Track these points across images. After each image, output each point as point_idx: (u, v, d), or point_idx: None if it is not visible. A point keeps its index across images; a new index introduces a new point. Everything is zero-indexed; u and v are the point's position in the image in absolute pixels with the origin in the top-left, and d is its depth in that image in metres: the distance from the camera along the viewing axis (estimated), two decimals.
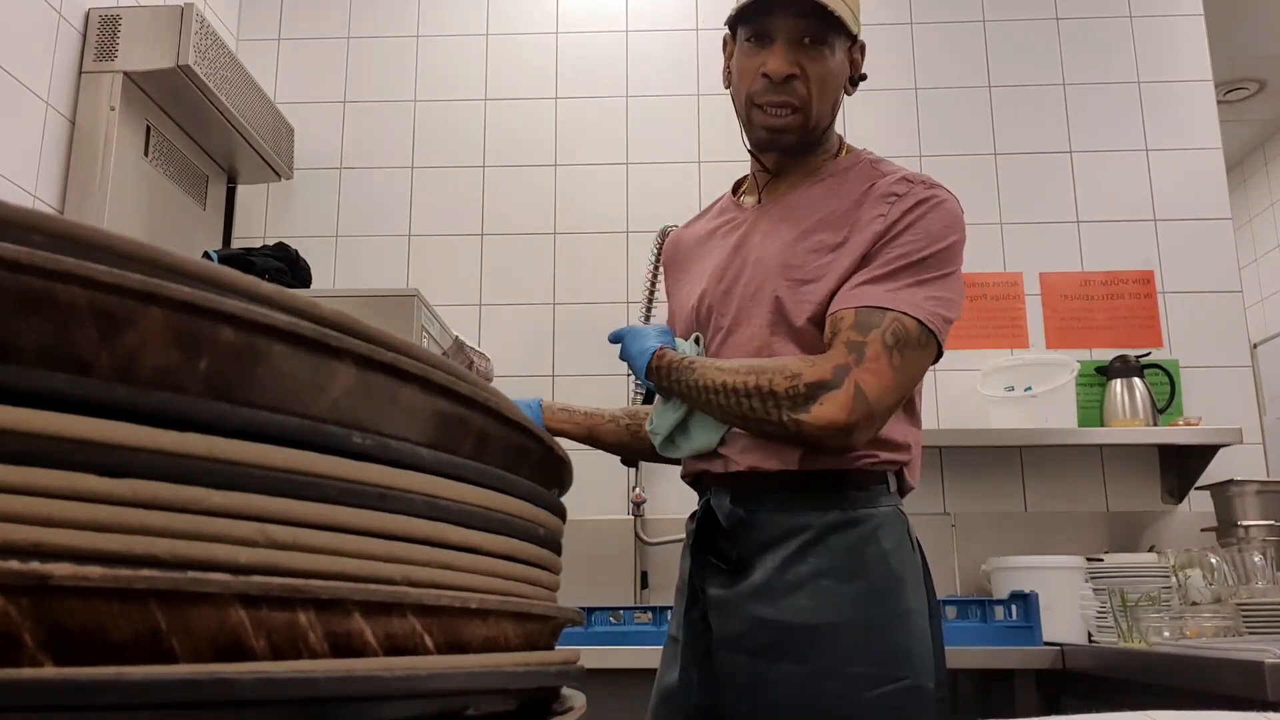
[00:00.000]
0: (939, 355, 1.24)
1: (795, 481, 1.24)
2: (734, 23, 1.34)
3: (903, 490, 1.33)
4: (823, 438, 1.16)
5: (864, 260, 1.23)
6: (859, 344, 1.16)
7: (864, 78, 1.40)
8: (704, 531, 1.30)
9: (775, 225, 1.35)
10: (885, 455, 1.26)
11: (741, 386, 1.18)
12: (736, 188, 1.52)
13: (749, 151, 1.41)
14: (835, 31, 1.30)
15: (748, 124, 1.35)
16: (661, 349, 1.28)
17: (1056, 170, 3.04)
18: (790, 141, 1.32)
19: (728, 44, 1.40)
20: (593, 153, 3.08)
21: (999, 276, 2.97)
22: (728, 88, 1.40)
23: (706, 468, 1.31)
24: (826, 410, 1.14)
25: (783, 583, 1.21)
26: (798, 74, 1.28)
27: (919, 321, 1.18)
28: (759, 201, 1.40)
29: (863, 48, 1.39)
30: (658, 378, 1.27)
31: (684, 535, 1.40)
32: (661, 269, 1.63)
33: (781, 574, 1.22)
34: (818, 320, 1.25)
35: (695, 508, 1.37)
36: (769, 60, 1.28)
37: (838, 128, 1.43)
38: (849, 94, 1.39)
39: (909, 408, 1.33)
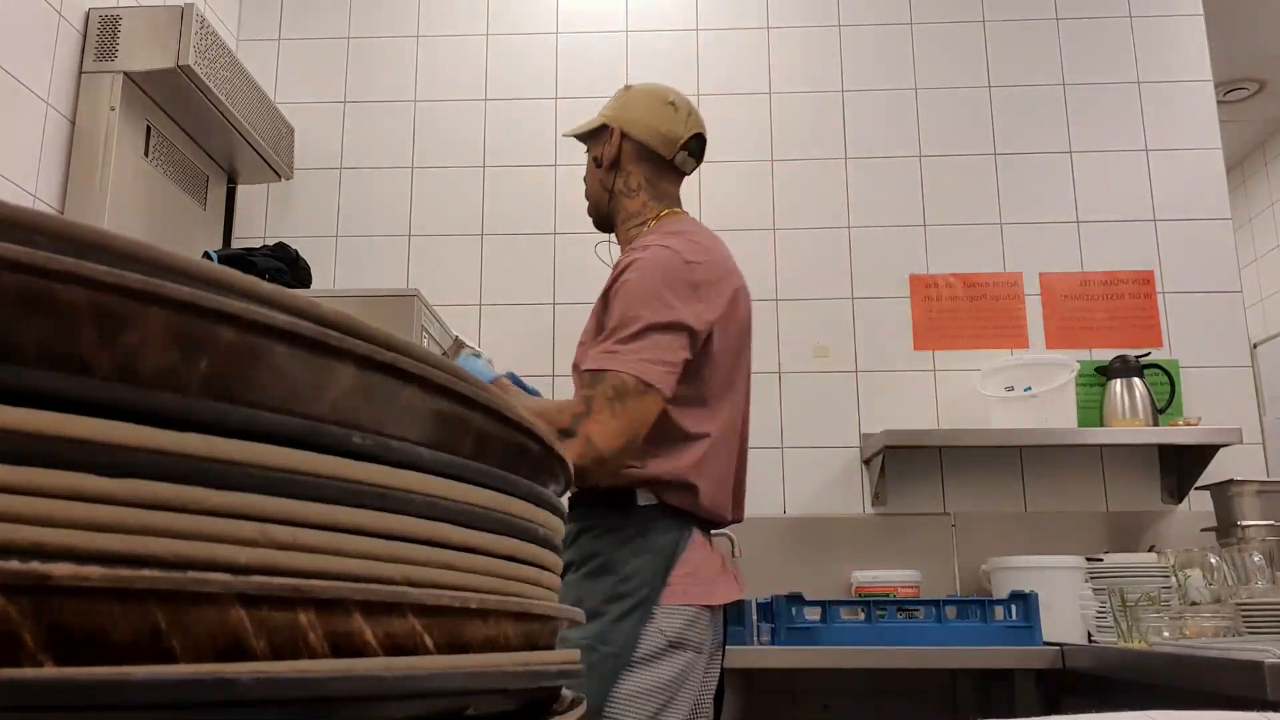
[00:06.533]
0: (669, 397, 1.47)
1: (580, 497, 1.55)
2: None
3: (665, 505, 1.53)
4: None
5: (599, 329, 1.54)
6: (589, 398, 1.42)
7: (611, 160, 1.70)
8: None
9: None
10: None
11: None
12: None
13: None
14: (588, 139, 1.75)
15: None
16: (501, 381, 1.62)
17: (1056, 170, 3.04)
18: (593, 222, 1.77)
19: None
20: None
21: (999, 276, 2.97)
22: None
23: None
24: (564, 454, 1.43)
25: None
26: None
27: (635, 376, 1.42)
28: None
29: (617, 132, 1.70)
30: None
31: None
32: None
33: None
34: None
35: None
36: None
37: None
38: (609, 170, 1.71)
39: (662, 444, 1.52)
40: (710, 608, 1.53)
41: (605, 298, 1.54)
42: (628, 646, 1.42)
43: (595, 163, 1.72)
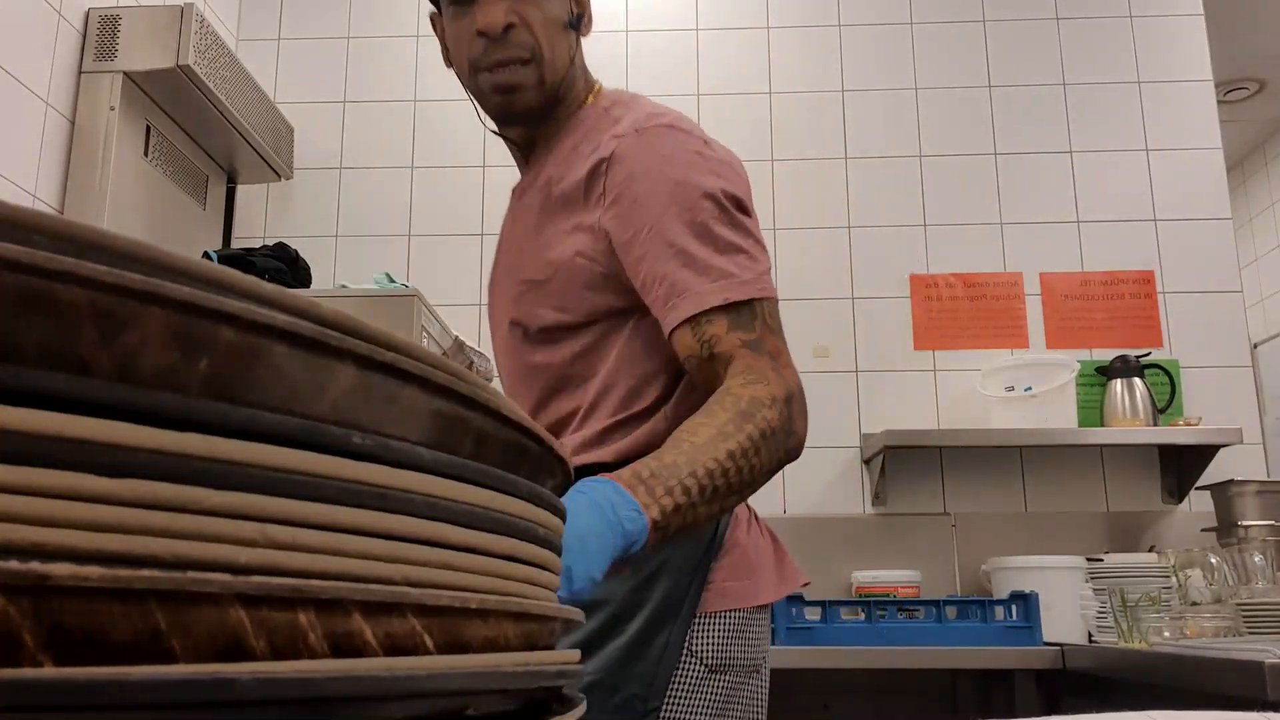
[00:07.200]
0: None
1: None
2: None
3: None
4: (802, 449, 1.02)
5: (612, 249, 1.04)
6: (757, 342, 1.01)
7: (581, 16, 1.16)
8: None
9: (521, 212, 1.18)
10: None
11: (749, 444, 0.92)
12: None
13: (494, 133, 1.22)
14: None
15: (479, 95, 1.13)
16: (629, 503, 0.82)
17: (1056, 170, 3.04)
18: (530, 102, 1.11)
19: (435, 21, 1.19)
20: None
21: (999, 276, 2.97)
22: (450, 67, 1.18)
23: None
24: (803, 420, 1.00)
25: None
26: (516, 23, 1.07)
27: (774, 298, 1.05)
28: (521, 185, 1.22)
29: None
30: (665, 526, 0.84)
31: None
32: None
33: None
34: (551, 329, 1.09)
35: None
36: (478, 16, 1.07)
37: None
38: (584, 35, 1.17)
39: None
40: (762, 608, 1.14)
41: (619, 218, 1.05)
42: (653, 680, 1.01)
43: (567, 22, 1.12)
